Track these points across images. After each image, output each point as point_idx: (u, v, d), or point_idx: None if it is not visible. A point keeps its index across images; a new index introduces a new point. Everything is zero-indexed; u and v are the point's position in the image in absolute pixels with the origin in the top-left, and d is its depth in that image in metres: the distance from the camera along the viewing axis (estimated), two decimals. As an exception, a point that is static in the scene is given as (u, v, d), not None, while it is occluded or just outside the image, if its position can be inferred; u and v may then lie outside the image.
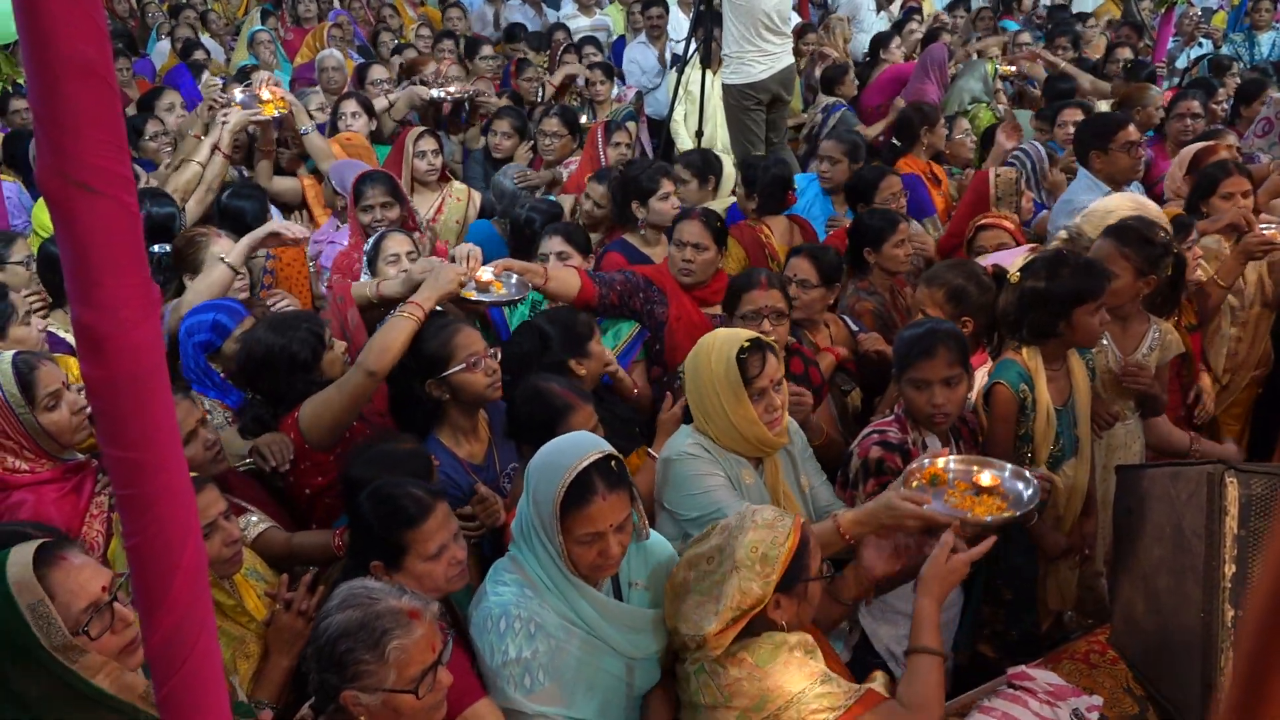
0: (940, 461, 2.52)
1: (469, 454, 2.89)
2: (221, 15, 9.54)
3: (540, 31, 8.94)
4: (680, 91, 6.53)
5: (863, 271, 4.00)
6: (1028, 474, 2.50)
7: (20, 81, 4.70)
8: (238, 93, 4.97)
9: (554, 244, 3.75)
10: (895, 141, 5.80)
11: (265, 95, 4.88)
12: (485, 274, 3.20)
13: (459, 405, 2.86)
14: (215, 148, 4.54)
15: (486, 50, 7.68)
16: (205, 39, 8.55)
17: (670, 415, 3.01)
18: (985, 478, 2.47)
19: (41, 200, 4.40)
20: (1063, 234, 3.80)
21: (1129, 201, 3.74)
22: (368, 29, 9.05)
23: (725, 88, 5.89)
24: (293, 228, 3.49)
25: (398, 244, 3.65)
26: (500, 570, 2.28)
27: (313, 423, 2.83)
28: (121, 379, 1.00)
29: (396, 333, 2.81)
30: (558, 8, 9.73)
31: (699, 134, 6.32)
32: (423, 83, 6.42)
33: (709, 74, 6.30)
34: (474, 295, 3.15)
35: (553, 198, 4.89)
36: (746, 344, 2.58)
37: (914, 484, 2.44)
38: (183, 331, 3.19)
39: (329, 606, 1.87)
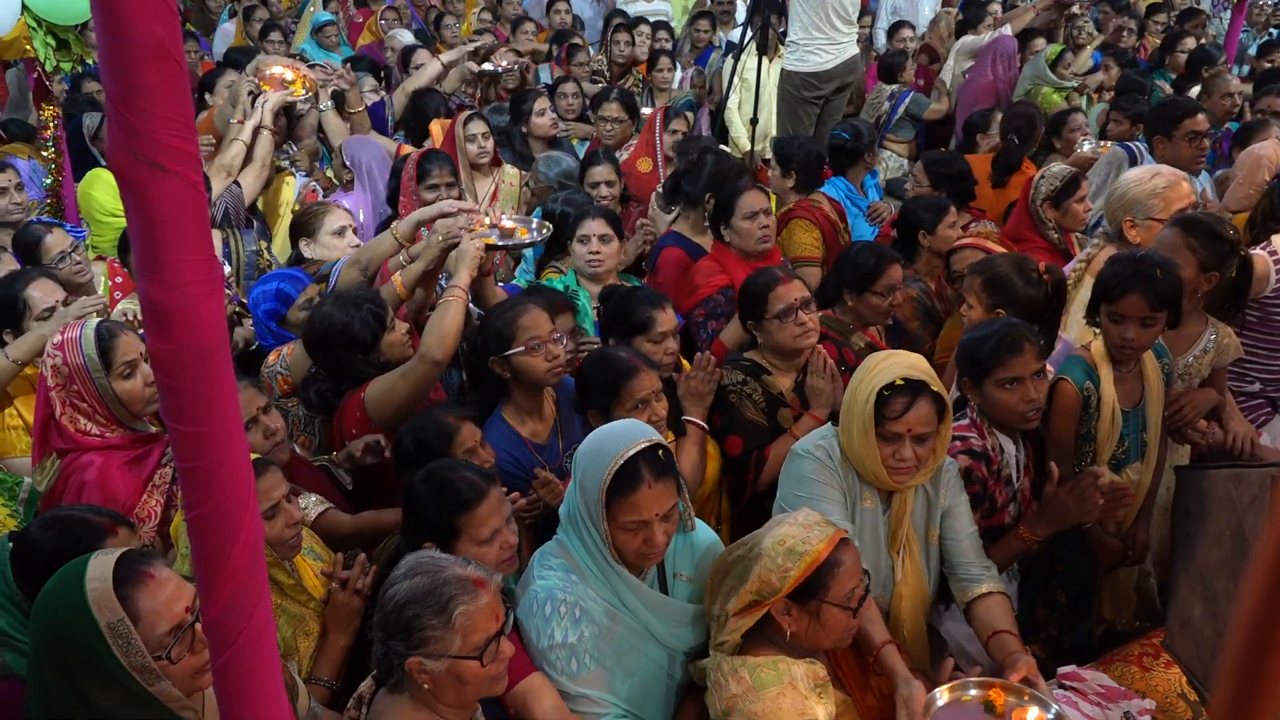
0: (1008, 694, 2.12)
1: (532, 432, 2.91)
2: (284, 2, 9.66)
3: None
4: (736, 79, 6.48)
5: (910, 258, 3.96)
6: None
7: (90, 61, 4.80)
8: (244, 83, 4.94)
9: (596, 226, 3.74)
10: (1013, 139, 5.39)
11: (289, 75, 4.92)
12: (507, 221, 3.37)
13: (520, 385, 2.88)
14: (259, 127, 4.61)
15: (529, 28, 7.67)
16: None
17: (688, 389, 2.99)
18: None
19: (89, 178, 4.50)
20: (1091, 248, 3.60)
21: (1146, 173, 3.55)
22: (425, 12, 9.11)
23: (785, 74, 5.79)
24: (460, 204, 3.49)
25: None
26: (547, 555, 2.30)
27: (379, 407, 2.87)
28: (186, 353, 1.02)
29: (451, 317, 2.84)
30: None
31: (753, 122, 6.27)
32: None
33: (765, 62, 6.25)
34: (496, 240, 3.25)
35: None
36: (899, 382, 2.38)
37: (964, 699, 2.11)
38: (251, 303, 3.28)
39: (395, 574, 1.89)
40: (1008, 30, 6.86)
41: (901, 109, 6.57)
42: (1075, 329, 3.34)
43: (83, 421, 2.54)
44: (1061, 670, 2.38)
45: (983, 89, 6.64)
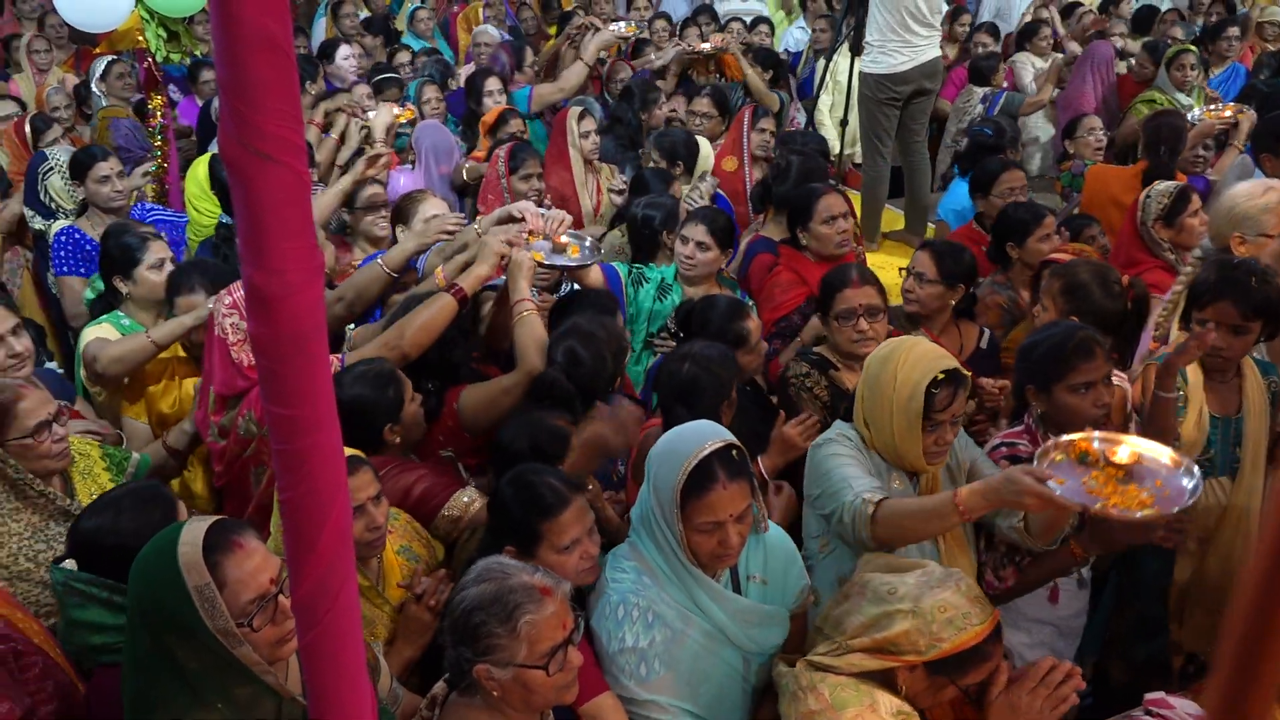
0: (1091, 437, 2.26)
1: None
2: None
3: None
4: (828, 80, 6.41)
5: (1003, 265, 3.86)
6: (1194, 466, 2.18)
7: (198, 53, 4.98)
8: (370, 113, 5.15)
9: (696, 231, 3.70)
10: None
11: (397, 110, 5.14)
12: (563, 237, 3.25)
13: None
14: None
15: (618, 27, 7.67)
16: (363, 15, 8.86)
17: (785, 434, 2.89)
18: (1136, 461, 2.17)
19: (190, 169, 4.67)
20: (1190, 266, 3.42)
21: (1259, 187, 3.39)
22: (517, 8, 9.20)
23: (862, 76, 5.74)
24: (527, 207, 3.42)
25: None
26: (619, 557, 2.30)
27: (476, 416, 2.89)
28: (284, 338, 1.04)
29: (538, 328, 2.86)
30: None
31: (843, 124, 6.20)
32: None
33: (858, 63, 6.17)
34: (545, 259, 3.18)
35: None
36: (942, 375, 2.38)
37: (1056, 458, 2.23)
38: None
39: (465, 580, 1.91)
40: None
41: (996, 110, 6.41)
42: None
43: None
44: (1149, 696, 2.30)
45: (1082, 97, 6.45)
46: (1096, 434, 2.28)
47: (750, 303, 3.64)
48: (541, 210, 3.27)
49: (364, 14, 8.89)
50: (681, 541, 2.15)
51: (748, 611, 2.23)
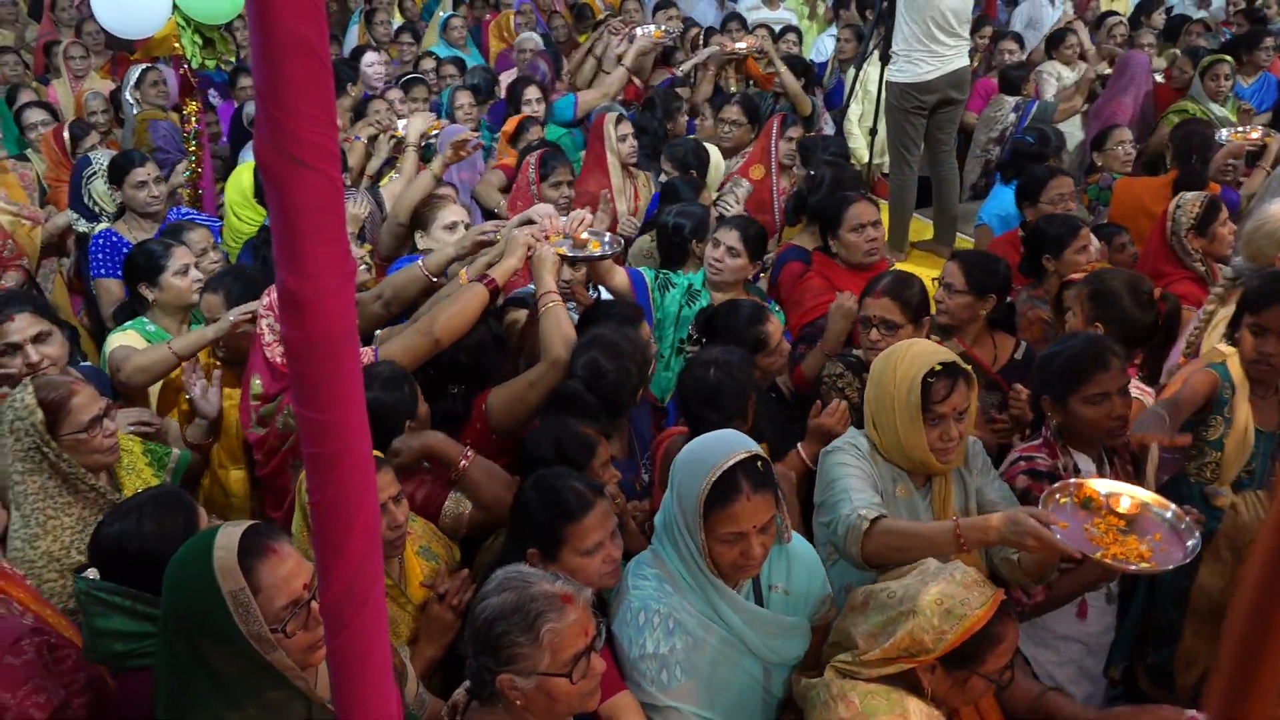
0: (1097, 484, 2.33)
1: (615, 450, 2.87)
2: (417, 3, 9.96)
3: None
4: (858, 89, 6.39)
5: (1039, 278, 3.82)
6: (1195, 527, 2.25)
7: (232, 59, 5.04)
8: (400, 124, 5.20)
9: (729, 237, 3.70)
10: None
11: (432, 118, 5.18)
12: (583, 234, 3.34)
13: None
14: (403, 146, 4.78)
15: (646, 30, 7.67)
16: (396, 22, 8.94)
17: (819, 422, 2.93)
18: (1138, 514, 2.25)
19: (232, 175, 4.72)
20: (1221, 287, 3.37)
21: None
22: (549, 16, 9.24)
23: (888, 85, 5.73)
24: (545, 210, 3.39)
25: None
26: (641, 564, 2.29)
27: (504, 414, 2.90)
28: (316, 341, 1.05)
29: (563, 320, 2.89)
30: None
31: (872, 133, 6.18)
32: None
33: (886, 71, 6.15)
34: (568, 251, 3.24)
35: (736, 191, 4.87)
36: (938, 367, 2.40)
37: (1060, 500, 2.28)
38: None
39: (485, 590, 1.91)
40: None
41: (1029, 119, 6.35)
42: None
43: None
44: (1188, 712, 2.26)
45: (1118, 108, 6.39)
46: (1103, 483, 2.34)
47: (775, 308, 3.63)
48: (553, 212, 3.32)
49: (397, 21, 8.97)
50: (703, 551, 2.15)
51: (768, 622, 2.22)
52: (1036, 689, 2.22)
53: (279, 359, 2.82)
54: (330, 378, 1.05)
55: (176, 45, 4.72)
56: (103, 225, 4.36)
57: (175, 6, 4.53)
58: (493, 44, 8.39)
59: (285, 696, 1.81)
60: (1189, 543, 2.18)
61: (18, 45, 8.14)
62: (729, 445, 2.19)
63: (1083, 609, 2.70)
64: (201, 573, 1.75)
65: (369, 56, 6.84)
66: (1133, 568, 2.12)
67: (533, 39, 7.17)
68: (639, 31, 6.61)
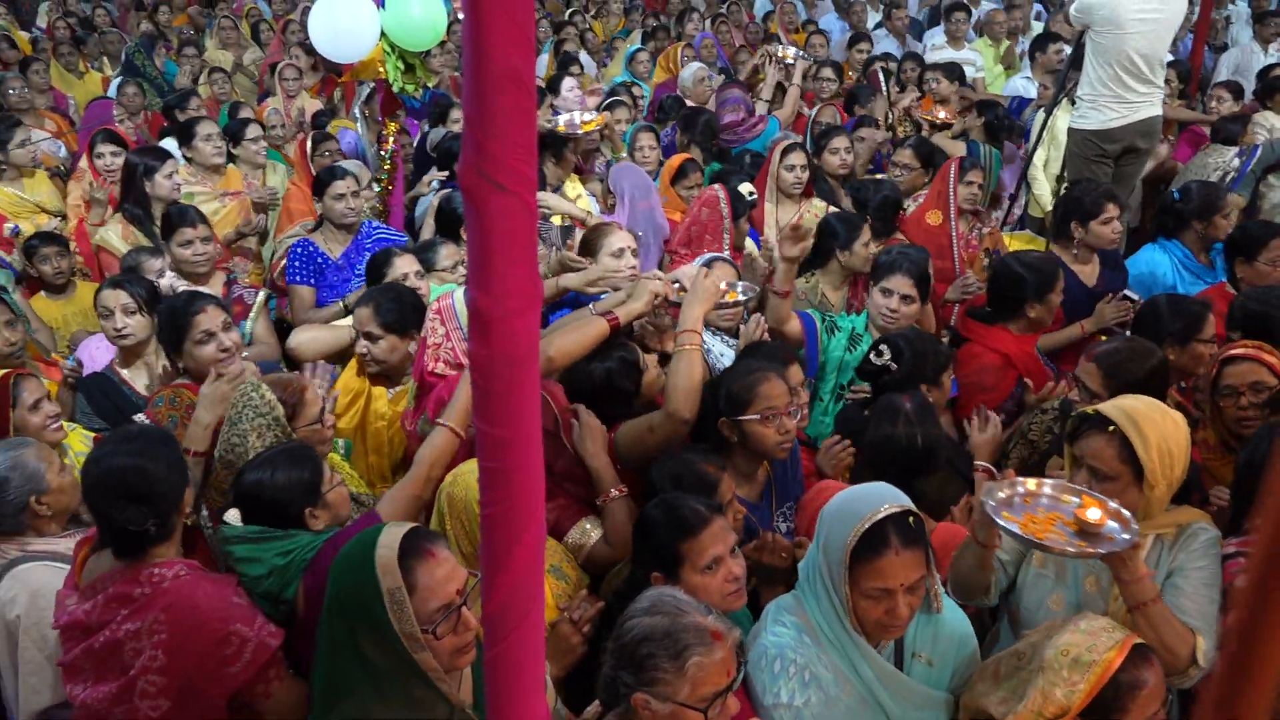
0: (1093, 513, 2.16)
1: (745, 493, 2.84)
2: (599, 35, 10.26)
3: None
4: (1045, 135, 6.16)
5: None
6: (1134, 525, 2.12)
7: (430, 86, 5.31)
8: (561, 119, 5.48)
9: (901, 284, 3.62)
10: None
11: (588, 117, 5.48)
12: (722, 283, 3.22)
13: (745, 451, 2.81)
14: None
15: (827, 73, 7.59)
16: (582, 55, 9.22)
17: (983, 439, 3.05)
18: (1091, 513, 2.13)
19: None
20: None
21: None
22: (730, 50, 9.33)
23: (1070, 131, 5.50)
24: (685, 273, 3.32)
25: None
26: (782, 610, 2.25)
27: (628, 450, 2.87)
28: (499, 360, 1.09)
29: (695, 370, 2.77)
30: (920, 38, 9.52)
31: (1060, 178, 5.93)
32: None
33: (1072, 117, 5.90)
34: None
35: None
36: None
37: (1007, 491, 2.23)
38: None
39: (635, 608, 1.92)
40: None
41: (1254, 163, 5.90)
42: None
43: (439, 365, 3.16)
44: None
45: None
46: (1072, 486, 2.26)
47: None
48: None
49: (583, 52, 9.27)
50: (847, 605, 2.09)
51: (909, 689, 2.13)
52: None
53: (429, 364, 3.04)
54: (511, 394, 1.09)
55: (380, 70, 5.01)
56: (303, 234, 4.67)
57: (383, 34, 4.82)
58: (658, 75, 8.52)
59: (430, 696, 1.88)
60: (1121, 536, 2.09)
61: (234, 68, 8.81)
62: (882, 498, 2.13)
63: None
64: (364, 567, 1.86)
65: (567, 82, 7.09)
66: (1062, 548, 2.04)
67: (702, 68, 7.30)
68: (791, 52, 7.04)
